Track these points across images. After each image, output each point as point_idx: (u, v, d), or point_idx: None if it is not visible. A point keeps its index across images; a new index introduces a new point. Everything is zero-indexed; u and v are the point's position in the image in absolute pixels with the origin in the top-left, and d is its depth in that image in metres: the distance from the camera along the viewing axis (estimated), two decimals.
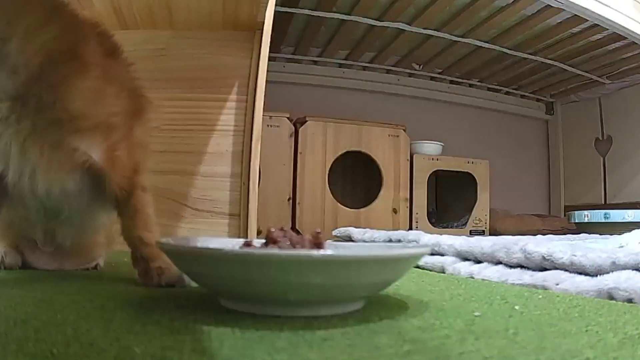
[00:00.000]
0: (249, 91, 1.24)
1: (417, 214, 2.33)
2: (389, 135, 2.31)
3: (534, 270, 0.73)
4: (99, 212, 0.70)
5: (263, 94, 1.23)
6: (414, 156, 2.36)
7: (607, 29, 2.07)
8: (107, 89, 0.63)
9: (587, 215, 2.23)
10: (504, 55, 2.54)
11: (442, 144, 2.49)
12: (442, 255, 0.94)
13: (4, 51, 0.54)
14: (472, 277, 0.80)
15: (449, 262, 0.90)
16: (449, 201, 2.69)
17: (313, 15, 2.18)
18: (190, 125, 1.24)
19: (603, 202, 2.82)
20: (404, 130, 2.35)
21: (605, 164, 2.89)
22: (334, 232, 1.45)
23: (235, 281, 0.42)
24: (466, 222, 2.46)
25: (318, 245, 0.48)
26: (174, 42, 1.28)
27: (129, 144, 0.65)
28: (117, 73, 0.67)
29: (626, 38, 2.11)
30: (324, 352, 0.33)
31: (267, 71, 1.23)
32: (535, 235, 1.41)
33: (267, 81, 1.23)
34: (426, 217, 2.36)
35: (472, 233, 2.40)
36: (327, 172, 2.21)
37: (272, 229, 0.48)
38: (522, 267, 0.76)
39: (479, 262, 0.85)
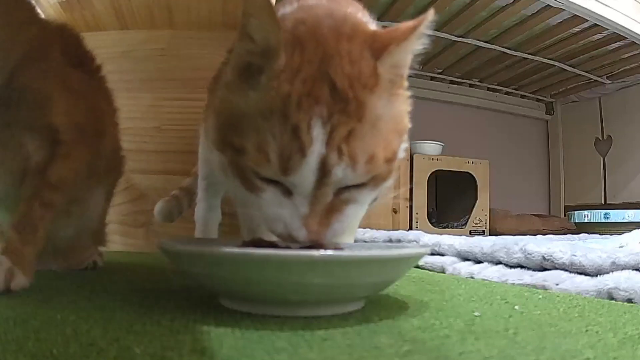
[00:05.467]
0: None
1: (417, 214, 2.33)
2: None
3: (534, 270, 0.74)
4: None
5: None
6: (414, 156, 2.35)
7: (607, 29, 2.07)
8: (62, 97, 0.63)
9: (587, 215, 2.24)
10: (504, 55, 2.54)
11: (442, 144, 2.49)
12: (442, 255, 0.94)
13: None
14: (472, 277, 0.80)
15: (449, 262, 0.90)
16: (449, 201, 2.68)
17: None
18: (190, 125, 1.24)
19: (603, 202, 2.82)
20: None
21: (605, 164, 2.89)
22: None
23: (235, 281, 0.42)
24: (466, 222, 2.46)
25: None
26: (174, 42, 1.28)
27: (64, 156, 0.63)
28: (78, 82, 0.67)
29: (626, 38, 2.11)
30: (324, 352, 0.33)
31: None
32: (535, 235, 1.41)
33: None
34: (426, 217, 2.36)
35: (472, 233, 2.40)
36: None
37: None
38: (522, 267, 0.76)
39: (479, 262, 0.85)
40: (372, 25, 0.50)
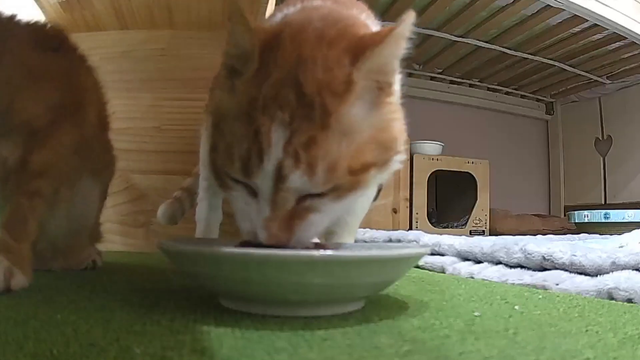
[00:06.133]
0: None
1: (417, 214, 2.33)
2: None
3: (534, 270, 0.74)
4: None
5: None
6: (414, 156, 2.35)
7: (607, 29, 2.07)
8: (29, 88, 0.61)
9: (587, 215, 2.24)
10: (504, 55, 2.54)
11: (442, 144, 2.49)
12: (442, 255, 0.94)
13: None
14: (472, 277, 0.80)
15: (449, 262, 0.90)
16: (449, 201, 2.68)
17: None
18: (190, 125, 1.24)
19: (603, 202, 2.82)
20: None
21: (605, 164, 2.89)
22: None
23: (235, 281, 0.43)
24: (466, 222, 2.46)
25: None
26: (174, 42, 1.28)
27: (42, 140, 0.62)
28: (47, 64, 0.65)
29: (626, 38, 2.11)
30: (324, 352, 0.33)
31: None
32: (535, 235, 1.41)
33: None
34: (426, 217, 2.36)
35: (472, 233, 2.40)
36: None
37: None
38: (522, 267, 0.76)
39: (479, 262, 0.85)
40: (375, 28, 0.50)
